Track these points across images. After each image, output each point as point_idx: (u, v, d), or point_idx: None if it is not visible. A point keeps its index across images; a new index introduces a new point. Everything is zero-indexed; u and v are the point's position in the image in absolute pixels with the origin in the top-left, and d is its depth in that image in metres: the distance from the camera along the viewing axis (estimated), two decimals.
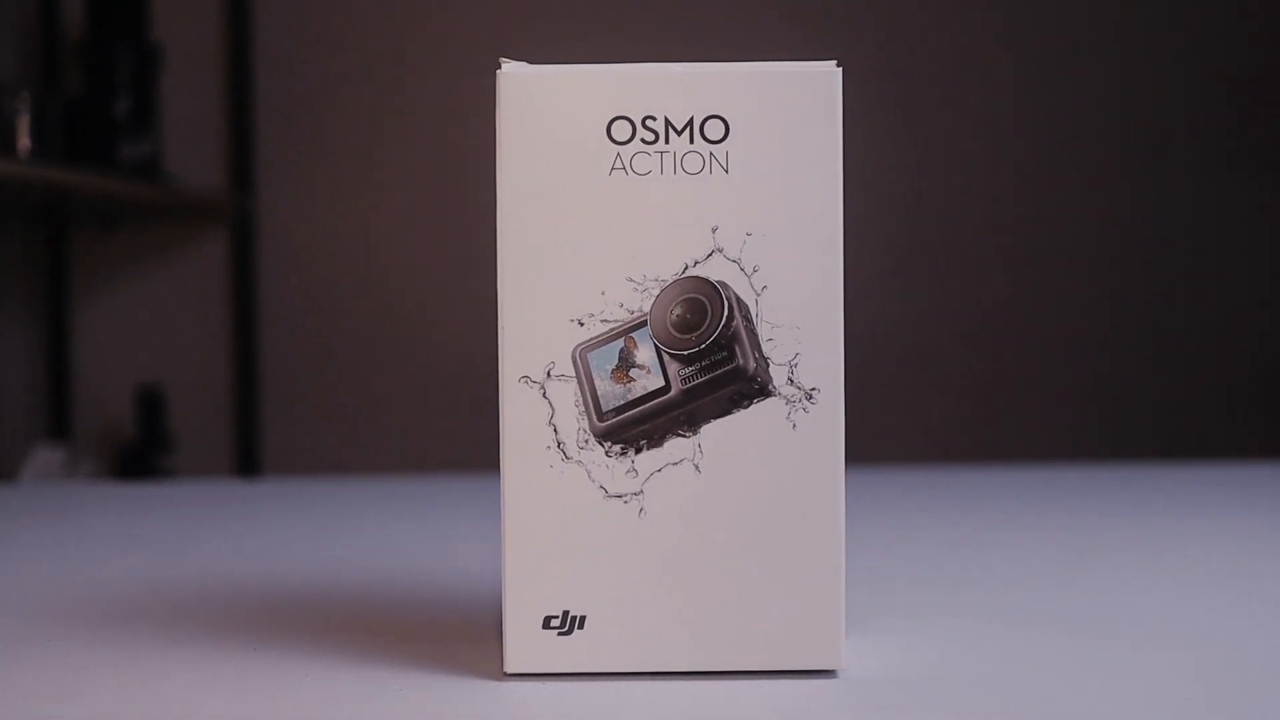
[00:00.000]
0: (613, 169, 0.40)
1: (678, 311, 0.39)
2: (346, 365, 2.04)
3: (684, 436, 0.40)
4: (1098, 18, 2.04)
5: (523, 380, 0.40)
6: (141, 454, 1.89)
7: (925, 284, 2.06)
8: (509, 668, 0.40)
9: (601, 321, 0.40)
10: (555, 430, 0.40)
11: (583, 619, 0.40)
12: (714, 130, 0.40)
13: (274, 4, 2.01)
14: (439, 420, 2.03)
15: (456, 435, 2.01)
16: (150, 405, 1.90)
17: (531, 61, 0.40)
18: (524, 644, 0.40)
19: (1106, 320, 2.06)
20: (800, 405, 0.40)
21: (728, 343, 0.39)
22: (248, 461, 2.02)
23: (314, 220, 2.02)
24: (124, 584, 0.55)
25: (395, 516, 0.72)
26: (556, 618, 0.40)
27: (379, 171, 2.03)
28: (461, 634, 0.46)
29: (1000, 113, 2.05)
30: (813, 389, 0.40)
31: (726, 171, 0.40)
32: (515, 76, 0.39)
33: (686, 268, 0.39)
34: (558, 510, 0.40)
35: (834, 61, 0.40)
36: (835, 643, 0.40)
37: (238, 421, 2.03)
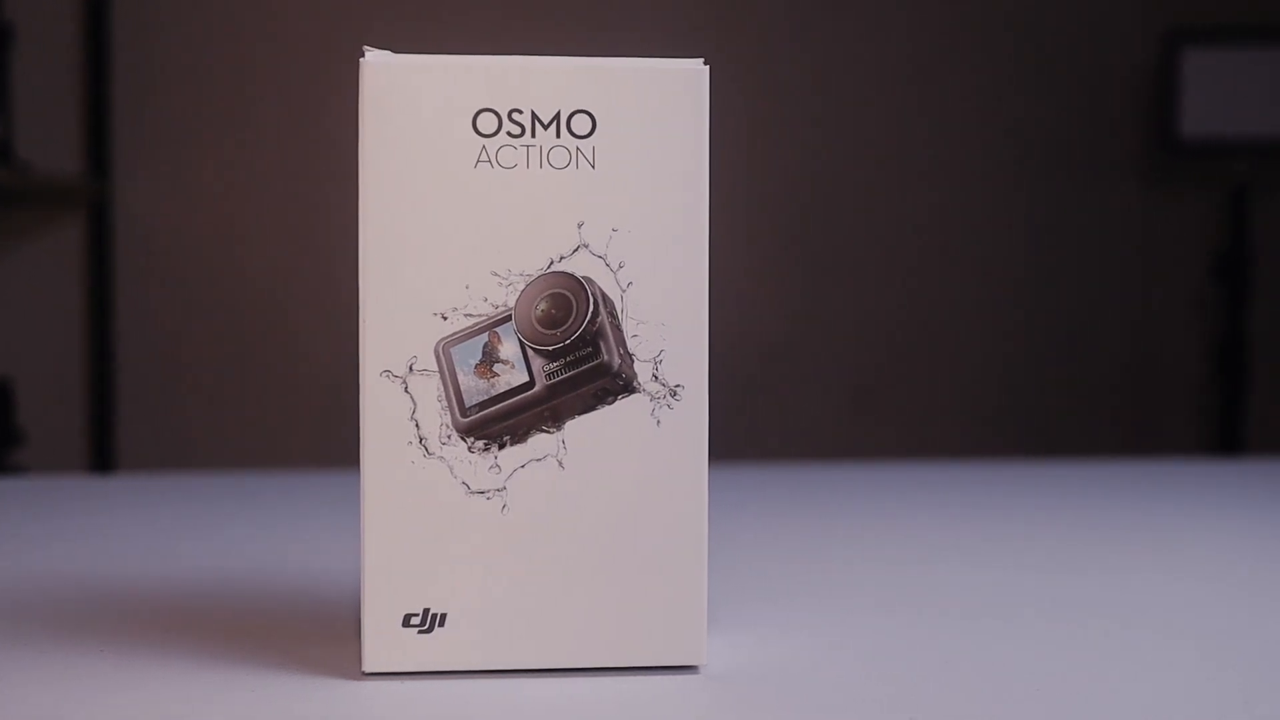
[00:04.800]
0: (478, 162, 0.39)
1: (542, 306, 0.39)
2: (205, 358, 2.00)
3: (548, 432, 0.39)
4: (967, 21, 2.08)
5: (384, 375, 0.39)
6: None
7: (794, 283, 2.08)
8: (367, 666, 0.40)
9: (465, 316, 0.39)
10: (417, 425, 0.39)
11: (443, 616, 0.40)
12: (581, 125, 0.39)
13: None
14: (299, 415, 2.01)
15: (317, 430, 1.98)
16: None
17: (396, 51, 0.39)
18: (383, 642, 0.40)
19: (972, 321, 2.11)
20: (664, 402, 0.40)
21: (592, 339, 0.39)
22: (101, 457, 1.97)
23: (173, 208, 1.98)
24: None
25: (253, 513, 0.71)
26: (417, 615, 0.40)
27: (239, 159, 1.99)
28: (320, 633, 0.45)
29: (870, 116, 2.08)
30: (677, 386, 0.40)
31: (593, 166, 0.39)
32: (378, 65, 0.39)
33: (552, 263, 0.39)
34: (419, 506, 0.39)
35: (701, 60, 0.40)
36: (697, 639, 0.40)
37: (91, 416, 1.98)
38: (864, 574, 0.56)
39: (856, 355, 2.09)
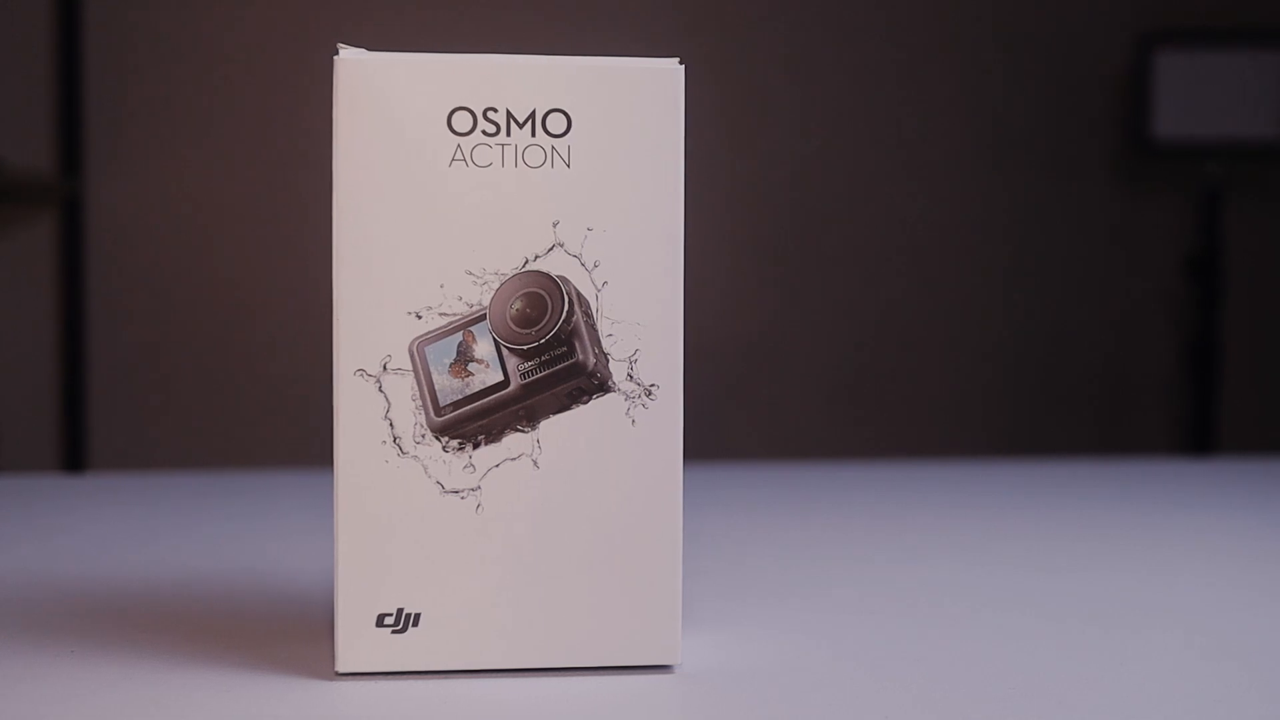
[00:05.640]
0: (453, 160, 0.39)
1: (517, 306, 0.39)
2: (178, 356, 1.99)
3: (523, 432, 0.39)
4: (944, 23, 2.09)
5: (358, 373, 0.39)
6: None
7: (772, 283, 2.08)
8: (340, 667, 0.40)
9: (440, 315, 0.39)
10: (391, 424, 0.39)
11: (417, 616, 0.39)
12: (556, 124, 0.39)
13: None
14: (272, 414, 2.00)
15: (290, 429, 1.97)
16: None
17: (371, 49, 0.39)
18: (356, 642, 0.39)
19: (948, 320, 2.11)
20: (640, 401, 0.40)
21: (567, 338, 0.39)
22: (74, 456, 1.96)
23: (146, 205, 1.97)
24: None
25: (227, 513, 0.70)
26: (390, 615, 0.39)
27: (213, 156, 1.98)
28: (293, 633, 0.45)
29: (848, 116, 2.08)
30: (652, 385, 0.40)
31: (568, 166, 0.39)
32: (352, 63, 0.39)
33: (527, 262, 0.39)
34: (393, 506, 0.39)
35: (676, 59, 0.40)
36: (672, 638, 0.40)
37: (63, 414, 1.97)
38: (841, 573, 0.56)
39: (835, 355, 2.10)
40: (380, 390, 0.39)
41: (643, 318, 0.40)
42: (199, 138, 1.98)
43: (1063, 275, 2.12)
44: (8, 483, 0.85)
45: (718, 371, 2.05)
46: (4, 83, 1.90)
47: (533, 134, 0.39)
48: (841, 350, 2.10)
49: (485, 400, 0.39)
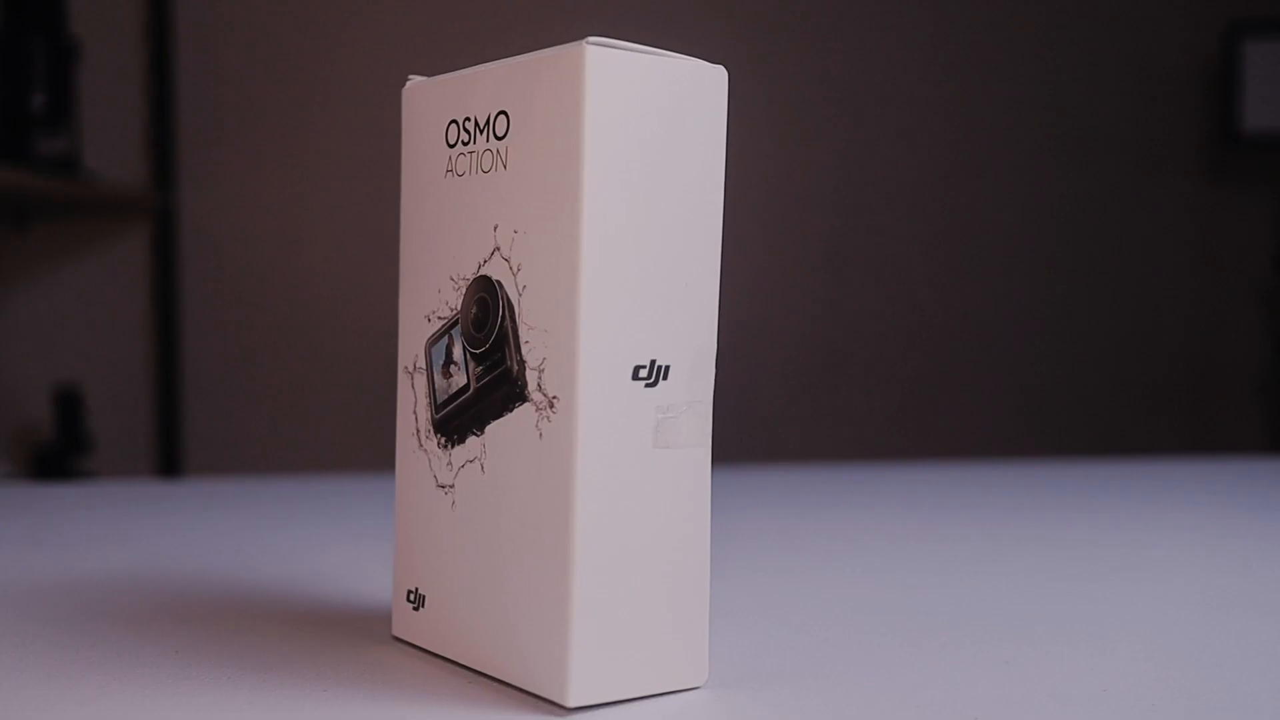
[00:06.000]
0: (446, 171, 0.41)
1: (473, 310, 0.39)
2: (270, 363, 2.03)
3: (476, 435, 0.39)
4: (1026, 14, 2.07)
5: (404, 371, 0.42)
6: (59, 455, 1.86)
7: (852, 286, 2.08)
8: (395, 632, 0.43)
9: (438, 318, 0.41)
10: (416, 418, 0.42)
11: (424, 598, 0.42)
12: (501, 126, 0.39)
13: None
14: (363, 418, 2.02)
15: (381, 432, 2.00)
16: (68, 405, 1.87)
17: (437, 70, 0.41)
18: (399, 612, 0.43)
19: (1031, 320, 2.09)
20: (545, 413, 0.37)
21: (500, 343, 0.38)
22: (169, 462, 1.99)
23: (236, 216, 2.00)
24: (35, 584, 0.53)
25: (320, 516, 0.70)
26: (414, 593, 0.42)
27: (301, 168, 2.01)
28: (372, 620, 0.47)
29: (925, 118, 2.07)
30: (554, 397, 0.37)
31: (505, 168, 0.38)
32: (414, 89, 0.42)
33: (480, 266, 0.39)
34: (413, 494, 0.42)
35: (588, 39, 0.36)
36: (563, 665, 0.37)
37: (158, 421, 2.00)
38: (855, 580, 0.56)
39: (915, 356, 2.08)
40: (412, 387, 0.42)
41: (550, 325, 0.36)
42: (288, 149, 2.01)
43: (1149, 271, 2.09)
44: (105, 488, 0.86)
45: (792, 375, 2.04)
46: (99, 99, 1.95)
47: (487, 139, 0.39)
48: (924, 351, 2.08)
49: (457, 402, 0.40)
